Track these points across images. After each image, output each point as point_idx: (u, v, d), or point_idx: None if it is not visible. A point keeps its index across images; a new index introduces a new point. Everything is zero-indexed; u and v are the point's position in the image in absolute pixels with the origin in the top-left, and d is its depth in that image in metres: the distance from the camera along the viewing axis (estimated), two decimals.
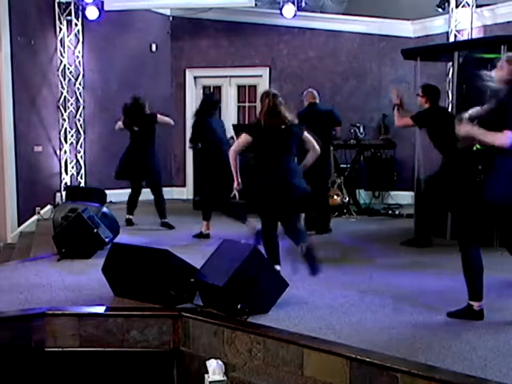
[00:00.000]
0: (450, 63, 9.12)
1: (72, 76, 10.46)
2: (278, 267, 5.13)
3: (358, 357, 3.49)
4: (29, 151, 9.71)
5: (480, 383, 3.17)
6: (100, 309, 4.55)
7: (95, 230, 6.31)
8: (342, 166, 9.84)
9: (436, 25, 10.57)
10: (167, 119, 8.36)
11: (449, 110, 8.25)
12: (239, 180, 5.46)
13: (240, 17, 11.51)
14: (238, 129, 9.93)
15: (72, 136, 10.50)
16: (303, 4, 10.21)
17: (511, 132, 3.86)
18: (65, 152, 10.47)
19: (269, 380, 3.75)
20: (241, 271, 4.24)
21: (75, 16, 10.35)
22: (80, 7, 10.31)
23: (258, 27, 11.49)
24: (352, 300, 4.70)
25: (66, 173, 10.48)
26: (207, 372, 4.04)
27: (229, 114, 11.70)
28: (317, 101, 7.90)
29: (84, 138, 10.61)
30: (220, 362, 4.05)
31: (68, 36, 10.41)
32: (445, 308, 4.39)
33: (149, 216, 8.38)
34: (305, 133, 5.44)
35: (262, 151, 5.30)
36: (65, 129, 10.45)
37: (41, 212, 9.65)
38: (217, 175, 7.13)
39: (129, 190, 8.46)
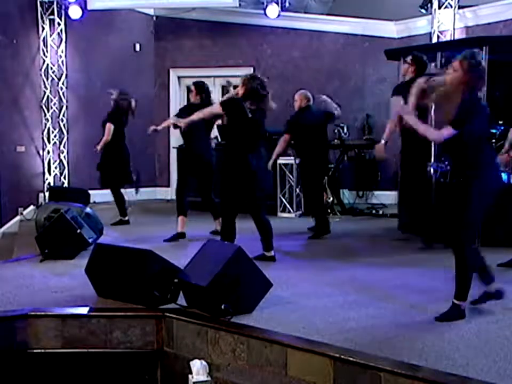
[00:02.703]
0: (433, 64, 9.18)
1: (55, 76, 10.41)
2: None
3: (342, 356, 3.50)
4: (11, 151, 9.66)
5: (462, 382, 3.19)
6: (83, 310, 4.53)
7: (78, 231, 6.28)
8: None
9: (418, 26, 10.64)
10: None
11: None
12: None
13: (224, 17, 11.51)
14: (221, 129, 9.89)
15: (55, 136, 10.46)
16: (287, 4, 10.25)
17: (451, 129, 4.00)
18: (48, 152, 10.42)
19: (252, 380, 3.76)
20: (225, 271, 4.24)
21: (58, 16, 10.32)
22: (63, 6, 10.27)
23: (242, 27, 11.50)
24: (335, 300, 4.71)
25: (50, 173, 10.43)
26: (191, 373, 4.03)
27: None
28: (311, 102, 7.68)
29: (67, 138, 10.57)
30: (203, 362, 4.04)
31: (50, 36, 10.37)
32: (427, 307, 4.42)
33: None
34: None
35: None
36: (48, 129, 10.40)
37: (24, 212, 9.59)
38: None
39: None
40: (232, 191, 5.86)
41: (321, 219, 7.61)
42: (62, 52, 10.48)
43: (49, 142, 10.41)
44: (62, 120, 10.50)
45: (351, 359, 3.46)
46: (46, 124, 10.39)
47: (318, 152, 7.61)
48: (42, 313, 4.44)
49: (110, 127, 8.14)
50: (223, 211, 6.05)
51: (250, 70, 11.56)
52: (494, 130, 7.38)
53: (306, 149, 7.50)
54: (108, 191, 8.39)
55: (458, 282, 4.13)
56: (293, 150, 8.11)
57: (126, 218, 8.33)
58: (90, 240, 6.33)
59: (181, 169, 7.50)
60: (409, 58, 6.76)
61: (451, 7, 9.69)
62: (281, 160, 9.14)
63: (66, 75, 10.50)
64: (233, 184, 5.83)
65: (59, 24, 10.38)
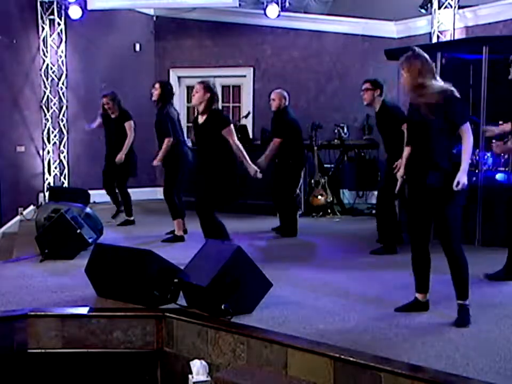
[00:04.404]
0: (433, 64, 9.16)
1: (55, 76, 10.41)
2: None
3: (342, 356, 3.50)
4: (11, 151, 9.66)
5: (462, 382, 3.19)
6: (83, 310, 4.53)
7: (78, 231, 6.28)
8: (326, 166, 9.87)
9: (418, 26, 10.63)
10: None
11: None
12: None
13: (224, 17, 11.50)
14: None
15: (55, 136, 10.46)
16: (287, 4, 10.24)
17: None
18: (48, 152, 10.42)
19: (252, 380, 3.75)
20: (224, 271, 4.24)
21: (58, 16, 10.32)
22: (63, 6, 10.26)
23: (242, 27, 11.49)
24: (335, 300, 4.71)
25: (50, 173, 10.43)
26: (191, 372, 4.04)
27: None
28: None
29: (67, 138, 10.58)
30: (203, 362, 4.05)
31: (50, 36, 10.37)
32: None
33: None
34: None
35: None
36: (48, 129, 10.40)
37: (24, 212, 9.59)
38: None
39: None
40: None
41: (291, 219, 7.59)
42: (62, 52, 10.47)
43: (49, 142, 10.41)
44: (62, 120, 10.50)
45: (351, 359, 3.47)
46: (46, 124, 10.39)
47: (300, 153, 7.63)
48: (42, 313, 4.45)
49: (131, 124, 8.24)
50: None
51: (250, 70, 11.60)
52: None
53: (292, 150, 7.49)
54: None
55: (459, 282, 4.12)
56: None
57: (132, 218, 8.35)
58: (90, 240, 6.33)
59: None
60: (368, 86, 6.63)
61: (451, 7, 9.68)
62: None
63: (66, 75, 10.50)
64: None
65: (59, 24, 10.37)
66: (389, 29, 11.04)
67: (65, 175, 10.58)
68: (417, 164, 4.17)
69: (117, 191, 8.40)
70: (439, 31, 9.83)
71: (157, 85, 7.24)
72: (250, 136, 10.05)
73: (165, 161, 7.16)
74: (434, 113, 4.04)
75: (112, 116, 8.30)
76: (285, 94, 7.58)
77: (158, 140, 7.23)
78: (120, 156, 8.08)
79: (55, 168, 10.50)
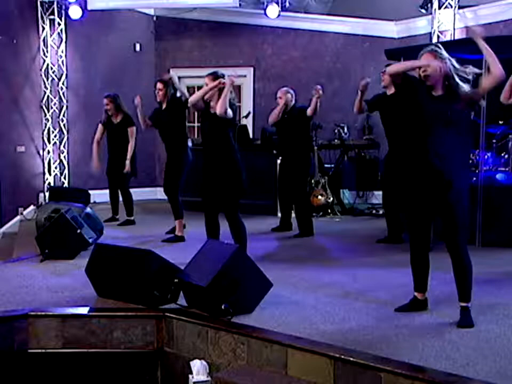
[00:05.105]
0: None
1: (56, 76, 10.42)
2: None
3: (342, 356, 3.50)
4: (11, 151, 9.67)
5: (462, 382, 3.19)
6: (83, 310, 4.53)
7: (79, 231, 6.28)
8: (326, 166, 9.87)
9: (419, 26, 10.64)
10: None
11: None
12: None
13: (224, 17, 11.51)
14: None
15: (55, 136, 10.46)
16: (287, 4, 10.25)
17: None
18: (48, 152, 10.43)
19: (253, 380, 3.75)
20: (224, 271, 4.24)
21: (58, 16, 10.32)
22: (63, 6, 10.27)
23: (242, 27, 11.50)
24: (335, 300, 4.71)
25: (50, 173, 10.43)
26: (191, 372, 4.04)
27: None
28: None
29: (67, 138, 10.58)
30: (204, 362, 4.05)
31: (51, 36, 10.38)
32: (427, 307, 4.42)
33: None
34: None
35: None
36: (49, 129, 10.41)
37: (24, 212, 9.60)
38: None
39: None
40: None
41: (307, 220, 7.61)
42: (62, 52, 10.48)
43: (49, 142, 10.41)
44: (62, 120, 10.50)
45: (351, 359, 3.46)
46: (46, 124, 10.39)
47: (306, 151, 7.65)
48: (42, 313, 4.45)
49: (134, 130, 8.20)
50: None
51: (250, 70, 11.60)
52: (493, 130, 7.38)
53: (297, 148, 7.52)
54: (107, 191, 8.47)
55: (462, 285, 4.10)
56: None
57: (132, 218, 8.35)
58: (90, 240, 6.33)
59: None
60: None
61: (451, 7, 9.69)
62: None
63: (66, 75, 10.50)
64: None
65: (59, 24, 10.38)
66: (389, 29, 11.04)
67: (65, 175, 10.58)
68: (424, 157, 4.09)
69: (120, 198, 8.41)
70: (439, 31, 9.84)
71: (160, 85, 7.12)
72: (251, 136, 10.04)
73: (170, 161, 7.14)
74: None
75: (114, 120, 8.26)
76: (291, 91, 7.63)
77: (169, 139, 7.16)
78: (128, 167, 8.08)
79: (55, 168, 10.51)
